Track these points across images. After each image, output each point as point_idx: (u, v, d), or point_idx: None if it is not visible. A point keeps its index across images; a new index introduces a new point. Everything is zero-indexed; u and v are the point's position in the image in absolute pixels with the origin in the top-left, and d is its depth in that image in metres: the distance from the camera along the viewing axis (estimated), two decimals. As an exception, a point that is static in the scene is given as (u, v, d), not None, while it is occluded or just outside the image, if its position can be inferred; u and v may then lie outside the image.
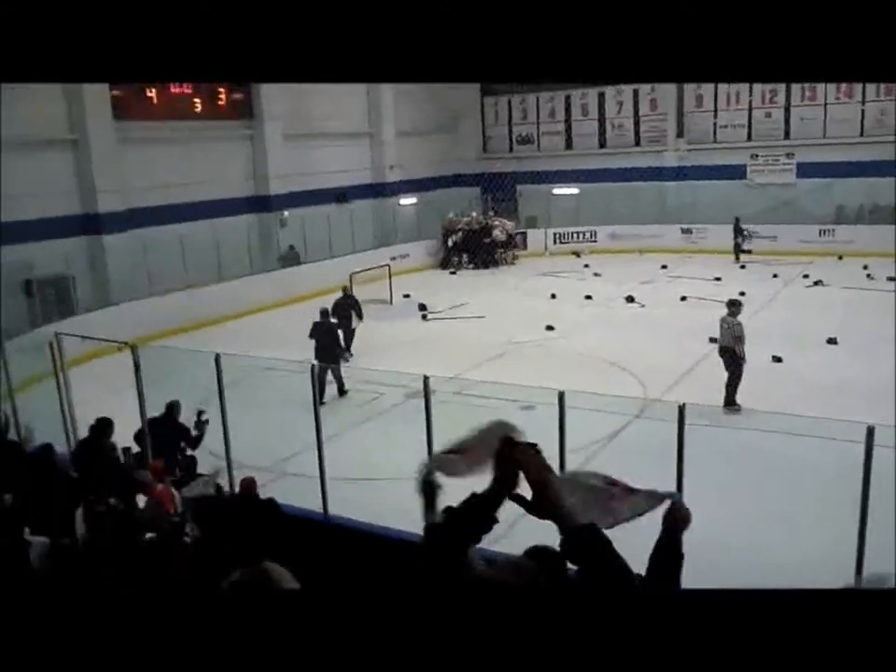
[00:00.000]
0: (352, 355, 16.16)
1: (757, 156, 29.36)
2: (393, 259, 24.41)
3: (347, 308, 16.61)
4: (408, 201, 29.23)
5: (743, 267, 24.85)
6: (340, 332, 15.60)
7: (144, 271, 19.56)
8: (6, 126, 17.61)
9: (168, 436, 9.48)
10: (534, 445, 1.97)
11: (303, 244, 24.70)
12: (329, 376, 13.79)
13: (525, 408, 11.43)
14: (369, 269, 21.76)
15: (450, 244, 28.24)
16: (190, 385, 11.71)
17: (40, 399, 10.68)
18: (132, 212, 20.38)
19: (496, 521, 2.06)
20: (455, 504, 2.13)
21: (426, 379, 8.05)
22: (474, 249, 27.90)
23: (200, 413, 9.75)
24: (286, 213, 24.62)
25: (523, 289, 23.51)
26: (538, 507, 1.87)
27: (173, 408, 9.80)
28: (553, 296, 21.76)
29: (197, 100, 22.60)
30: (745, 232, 26.36)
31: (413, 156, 30.24)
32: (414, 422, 8.64)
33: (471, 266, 27.79)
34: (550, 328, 17.93)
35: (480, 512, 2.05)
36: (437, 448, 8.39)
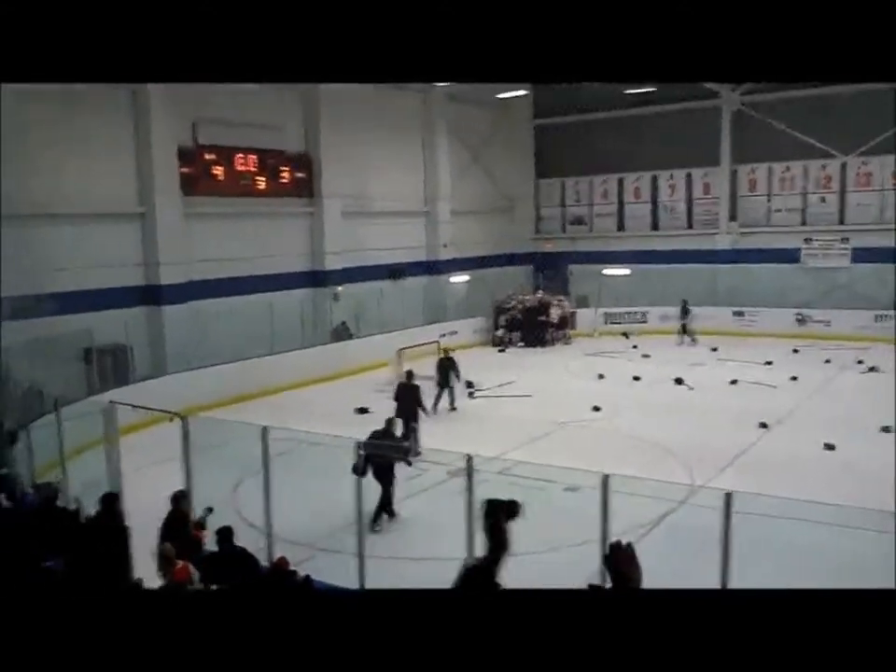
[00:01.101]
0: (455, 409, 17.54)
1: (811, 240, 29.17)
2: (442, 335, 24.62)
3: (447, 369, 18.45)
4: (459, 278, 29.61)
5: (796, 351, 24.48)
6: (443, 391, 18.17)
7: (200, 342, 20.06)
8: (78, 199, 18.52)
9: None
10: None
11: (355, 319, 25.13)
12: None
13: (569, 489, 11.35)
14: (417, 345, 21.96)
15: (503, 321, 28.38)
16: (237, 456, 11.91)
17: (91, 466, 10.94)
18: (192, 284, 21.02)
19: (498, 586, 2.10)
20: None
21: (469, 458, 8.09)
22: (528, 327, 28.01)
23: (208, 510, 9.42)
24: (340, 288, 25.12)
25: (571, 369, 23.45)
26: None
27: (179, 500, 9.22)
28: (601, 376, 21.66)
29: (261, 178, 23.44)
30: (689, 314, 27.15)
31: (466, 235, 30.76)
32: (456, 500, 8.64)
33: (522, 344, 27.83)
34: (596, 409, 17.82)
35: (482, 581, 2.09)
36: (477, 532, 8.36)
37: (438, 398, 18.06)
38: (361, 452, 9.74)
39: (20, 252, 17.00)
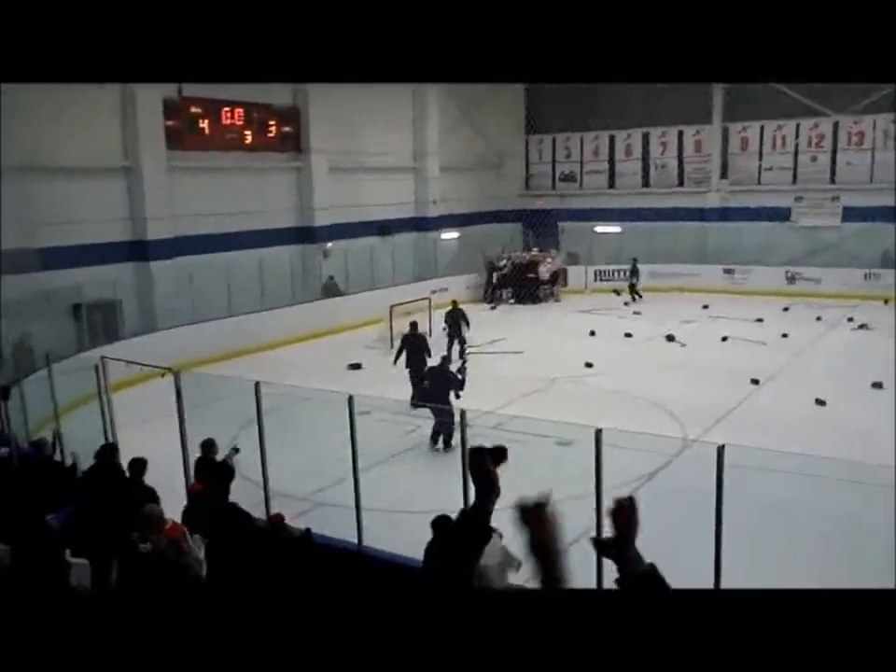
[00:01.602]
0: (465, 361, 15.78)
1: (802, 199, 29.16)
2: (433, 292, 24.55)
3: (457, 318, 19.31)
4: (449, 235, 29.45)
5: (786, 309, 24.58)
6: (454, 340, 19.02)
7: (189, 298, 19.92)
8: (64, 152, 18.20)
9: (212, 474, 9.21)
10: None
11: (345, 275, 25.00)
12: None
13: (562, 444, 11.40)
14: (408, 301, 21.89)
15: (495, 279, 28.33)
16: (230, 412, 11.87)
17: (84, 422, 10.88)
18: (179, 239, 20.80)
19: (492, 531, 2.10)
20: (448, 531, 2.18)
21: (462, 412, 8.08)
22: (518, 284, 27.97)
23: (235, 450, 9.65)
24: (329, 244, 24.95)
25: (562, 326, 23.47)
26: (612, 551, 1.92)
27: (209, 447, 9.37)
28: (593, 333, 21.70)
29: (247, 132, 23.10)
30: (637, 273, 27.69)
31: (456, 191, 30.54)
32: (451, 455, 8.68)
33: (512, 301, 27.84)
34: (589, 365, 17.87)
35: (475, 527, 2.09)
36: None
37: (450, 346, 18.76)
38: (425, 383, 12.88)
39: (7, 206, 16.76)
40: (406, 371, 15.70)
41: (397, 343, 20.48)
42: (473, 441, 8.40)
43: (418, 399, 13.08)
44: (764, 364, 17.40)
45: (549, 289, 28.42)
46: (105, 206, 19.61)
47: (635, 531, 2.01)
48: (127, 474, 8.78)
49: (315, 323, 21.93)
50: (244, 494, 9.31)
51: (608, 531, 2.04)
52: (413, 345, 15.94)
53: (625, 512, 2.06)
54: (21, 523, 7.21)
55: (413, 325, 16.73)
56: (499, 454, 2.09)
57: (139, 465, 8.63)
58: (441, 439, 12.91)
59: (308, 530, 7.72)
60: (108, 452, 8.90)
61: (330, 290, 24.55)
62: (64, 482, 9.02)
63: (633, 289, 27.54)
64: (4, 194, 16.39)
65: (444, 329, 19.56)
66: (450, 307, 20.06)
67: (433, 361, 15.20)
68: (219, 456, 9.41)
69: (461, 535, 2.20)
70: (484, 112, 31.99)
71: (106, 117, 19.56)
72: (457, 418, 8.30)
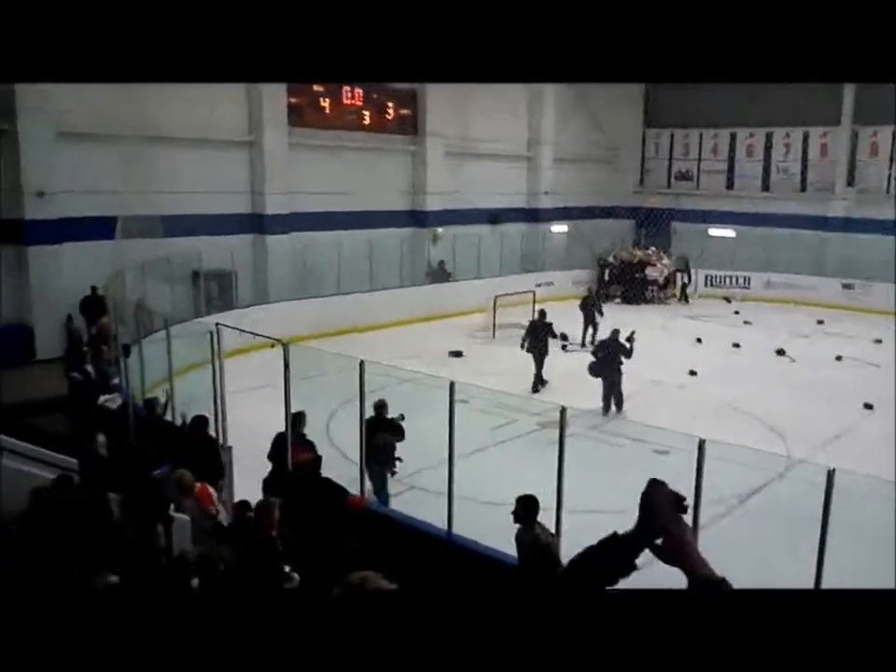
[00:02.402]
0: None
1: (933, 212, 27.60)
2: (538, 285, 24.42)
3: (591, 306, 20.57)
4: (559, 228, 29.20)
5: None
6: (588, 326, 20.11)
7: (301, 273, 20.43)
8: (191, 124, 18.90)
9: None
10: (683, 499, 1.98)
11: (453, 261, 25.15)
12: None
13: (660, 452, 11.21)
14: (513, 293, 21.86)
15: (606, 276, 27.92)
16: (333, 387, 12.15)
17: (196, 385, 11.32)
18: (295, 215, 21.34)
19: (635, 567, 2.04)
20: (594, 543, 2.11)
21: (562, 410, 8.03)
22: (627, 283, 27.50)
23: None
24: (440, 229, 25.12)
25: (668, 330, 22.99)
26: (667, 553, 1.87)
27: (297, 420, 9.77)
28: (699, 340, 21.18)
29: (366, 112, 23.45)
30: (689, 274, 27.62)
31: (568, 183, 30.22)
32: (544, 451, 8.64)
33: (619, 300, 27.33)
34: (693, 373, 17.46)
35: (621, 555, 2.03)
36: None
37: (585, 331, 20.21)
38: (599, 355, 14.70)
39: (134, 174, 17.55)
40: (526, 355, 16.59)
41: (498, 333, 20.59)
42: (571, 440, 8.37)
43: (589, 372, 14.74)
44: (880, 388, 16.62)
45: (660, 292, 27.82)
46: (227, 178, 20.29)
47: (683, 528, 1.94)
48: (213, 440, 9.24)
49: (420, 307, 22.16)
50: (339, 471, 9.55)
51: (705, 544, 1.99)
52: (541, 331, 16.78)
53: (660, 497, 1.98)
54: (132, 476, 7.62)
55: (542, 312, 17.35)
56: (680, 504, 2.02)
57: (201, 421, 9.19)
58: (612, 403, 14.73)
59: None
60: (198, 423, 9.26)
61: (438, 276, 24.77)
62: (171, 440, 9.45)
63: (683, 291, 27.27)
64: (131, 162, 17.18)
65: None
66: (585, 295, 21.49)
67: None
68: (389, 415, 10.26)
69: (604, 557, 2.15)
70: (601, 103, 31.42)
71: (233, 91, 20.18)
72: (555, 415, 8.27)
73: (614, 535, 2.05)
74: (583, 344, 19.42)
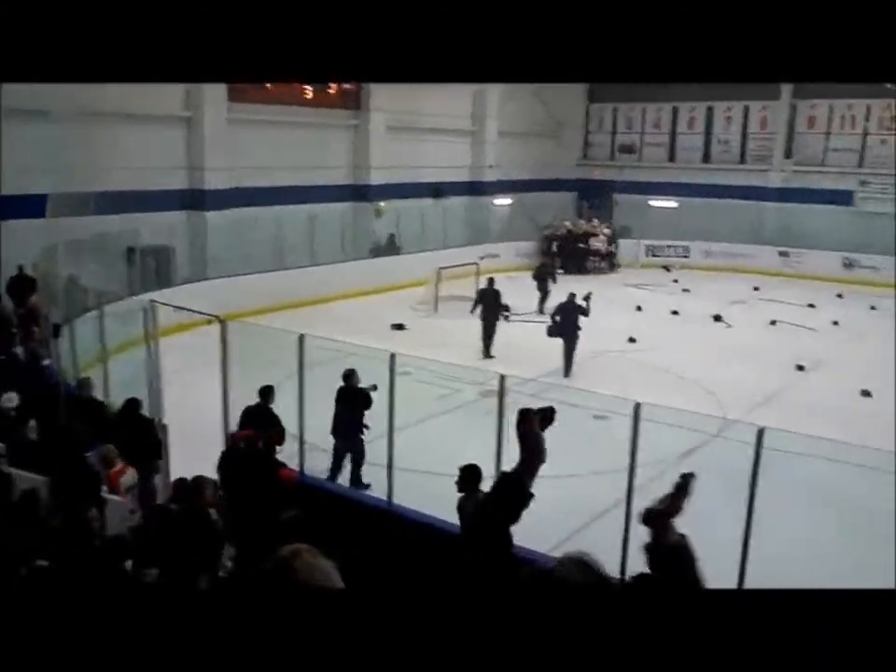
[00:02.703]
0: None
1: (867, 182, 28.31)
2: (482, 258, 24.45)
3: (545, 274, 21.63)
4: (503, 201, 29.26)
5: (840, 296, 24.02)
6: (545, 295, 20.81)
7: (241, 249, 20.17)
8: (126, 99, 18.45)
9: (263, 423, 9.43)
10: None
11: (396, 235, 25.08)
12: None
13: (599, 417, 11.38)
14: (457, 265, 21.88)
15: (554, 248, 28.04)
16: (274, 362, 12.06)
17: (131, 364, 11.15)
18: (235, 191, 21.02)
19: (531, 495, 2.09)
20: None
21: (501, 378, 8.09)
22: (569, 255, 27.72)
23: (374, 387, 10.05)
24: (382, 203, 24.99)
25: (609, 299, 23.25)
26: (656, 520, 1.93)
27: (267, 393, 9.79)
28: (639, 308, 21.49)
29: (308, 87, 23.14)
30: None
31: (512, 157, 30.26)
32: (486, 420, 8.71)
33: (561, 271, 27.51)
34: (632, 340, 17.74)
35: (515, 488, 2.09)
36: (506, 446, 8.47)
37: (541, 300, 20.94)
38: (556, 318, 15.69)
39: (67, 150, 17.07)
40: (468, 325, 16.73)
41: (441, 306, 20.63)
42: (511, 408, 8.45)
43: (548, 333, 15.68)
44: (812, 351, 17.08)
45: (602, 262, 28.12)
46: (165, 154, 19.89)
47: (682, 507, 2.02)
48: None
49: (362, 281, 22.06)
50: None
51: (639, 504, 2.05)
52: (489, 298, 17.21)
53: (685, 492, 2.08)
54: (63, 458, 7.47)
55: (491, 280, 17.79)
56: (548, 416, 2.09)
57: (133, 403, 9.13)
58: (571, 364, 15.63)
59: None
60: (129, 405, 9.15)
61: (388, 249, 24.73)
62: (103, 422, 9.31)
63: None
64: (65, 139, 16.71)
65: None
66: (539, 264, 22.69)
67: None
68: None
69: (501, 496, 2.21)
70: (546, 78, 31.47)
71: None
72: (496, 384, 8.34)
73: (503, 472, 2.11)
74: (540, 311, 20.12)
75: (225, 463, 8.61)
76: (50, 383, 10.55)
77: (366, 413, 10.38)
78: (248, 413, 9.48)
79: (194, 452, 9.22)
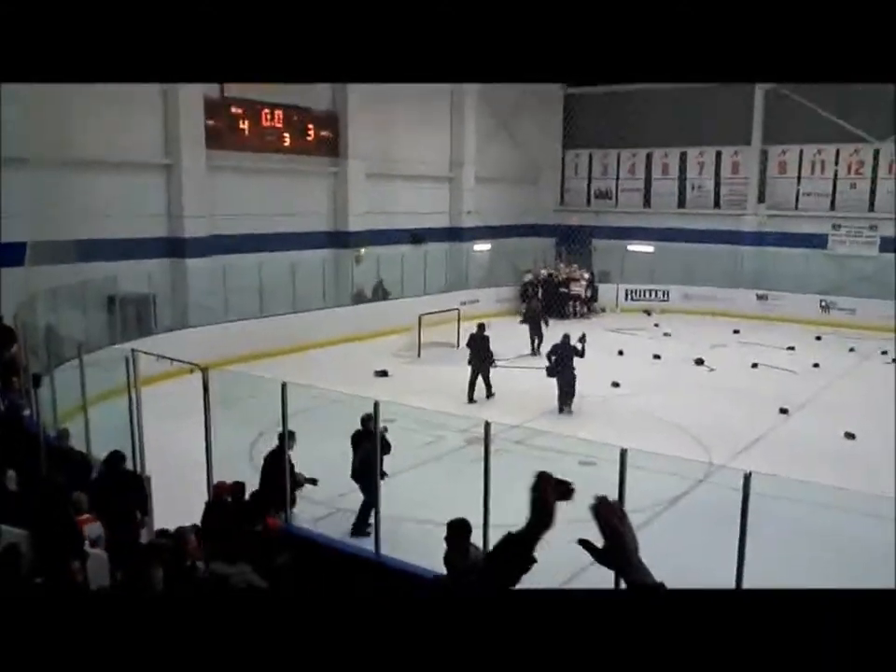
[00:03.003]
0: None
1: (839, 226, 28.82)
2: (463, 303, 24.54)
3: (536, 317, 22.09)
4: (482, 247, 29.46)
5: (819, 338, 24.27)
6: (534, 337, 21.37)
7: (222, 296, 20.09)
8: (105, 146, 18.46)
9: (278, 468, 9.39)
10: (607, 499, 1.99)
11: (377, 281, 25.13)
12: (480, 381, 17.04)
13: (585, 463, 11.32)
14: (438, 311, 21.92)
15: (539, 293, 28.08)
16: (257, 411, 11.95)
17: (112, 414, 10.98)
18: (215, 238, 21.00)
19: (534, 560, 2.04)
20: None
21: (487, 425, 8.04)
22: (550, 300, 27.85)
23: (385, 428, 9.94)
24: (362, 250, 25.06)
25: (590, 344, 23.33)
26: (608, 557, 1.88)
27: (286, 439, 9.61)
28: (621, 353, 21.56)
29: (286, 134, 23.29)
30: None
31: (490, 203, 30.56)
32: (472, 468, 8.64)
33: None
34: (615, 384, 17.76)
35: (518, 552, 2.03)
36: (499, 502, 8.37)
37: (532, 342, 21.55)
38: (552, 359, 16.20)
39: (46, 198, 17.02)
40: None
41: (424, 353, 20.61)
42: (497, 455, 8.39)
43: (547, 373, 16.14)
44: (794, 393, 17.18)
45: (582, 307, 28.30)
46: (145, 202, 19.86)
47: (630, 536, 1.96)
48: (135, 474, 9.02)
49: (344, 327, 22.01)
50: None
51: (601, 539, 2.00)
52: (478, 343, 17.40)
53: (610, 510, 2.01)
54: (45, 511, 7.30)
55: (481, 325, 18.00)
56: (565, 490, 2.05)
57: (116, 457, 8.99)
58: (567, 402, 15.93)
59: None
60: (113, 459, 9.02)
61: (377, 293, 24.82)
62: (84, 475, 9.15)
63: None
64: (43, 186, 16.66)
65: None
66: (528, 308, 23.32)
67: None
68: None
69: (503, 559, 2.14)
70: (522, 124, 31.99)
71: (148, 114, 19.82)
72: (481, 431, 8.29)
73: (508, 534, 2.06)
74: (536, 353, 20.76)
75: (209, 514, 8.47)
76: (30, 433, 10.34)
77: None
78: (268, 459, 9.61)
79: (177, 502, 9.07)
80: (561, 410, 15.91)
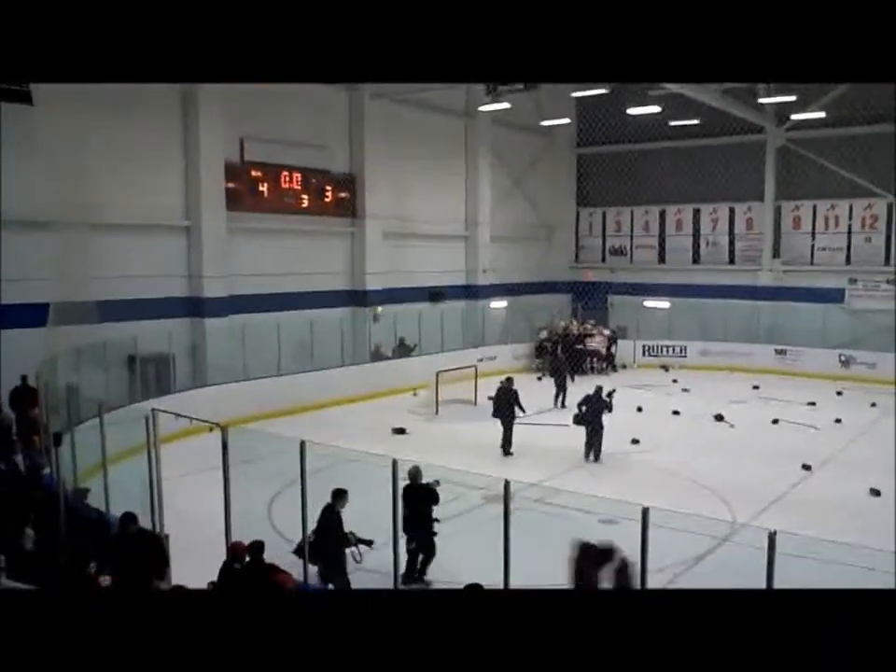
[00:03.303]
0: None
1: (856, 280, 28.77)
2: (480, 360, 24.57)
3: (562, 370, 22.48)
4: (499, 304, 29.58)
5: (840, 393, 24.03)
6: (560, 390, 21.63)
7: (240, 355, 20.22)
8: (127, 209, 18.82)
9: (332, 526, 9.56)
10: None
11: (394, 340, 25.23)
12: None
13: (606, 522, 11.18)
14: (455, 368, 21.93)
15: (559, 350, 27.96)
16: (275, 469, 11.92)
17: (132, 472, 10.99)
18: (234, 298, 21.23)
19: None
20: None
21: (506, 483, 7.99)
22: (568, 355, 27.72)
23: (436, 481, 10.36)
24: (379, 308, 25.22)
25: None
26: None
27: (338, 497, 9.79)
28: (640, 409, 21.42)
29: (305, 196, 23.67)
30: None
31: (506, 261, 30.78)
32: (491, 526, 8.54)
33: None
34: (635, 441, 17.61)
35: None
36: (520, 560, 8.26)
37: (557, 395, 21.80)
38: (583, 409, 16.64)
39: (68, 259, 17.31)
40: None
41: (442, 410, 20.57)
42: (517, 514, 8.30)
43: (574, 421, 16.72)
44: (817, 449, 16.98)
45: (598, 362, 28.20)
46: (165, 263, 20.16)
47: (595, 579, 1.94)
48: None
49: (362, 385, 22.07)
50: (282, 555, 9.29)
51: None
52: (505, 397, 17.52)
53: (627, 571, 2.03)
54: (63, 572, 7.27)
55: (509, 379, 18.06)
56: (605, 555, 2.05)
57: (129, 518, 8.98)
58: (592, 452, 16.33)
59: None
60: (126, 520, 8.98)
61: (402, 350, 24.95)
62: (102, 536, 9.13)
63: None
64: (66, 248, 16.97)
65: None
66: (552, 361, 23.95)
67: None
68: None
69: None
70: (535, 183, 32.44)
71: (170, 177, 20.25)
72: (500, 489, 8.23)
73: None
74: (562, 405, 21.25)
75: (225, 572, 8.41)
76: (50, 492, 10.36)
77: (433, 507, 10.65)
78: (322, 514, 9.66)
79: (196, 560, 9.00)
80: (587, 457, 16.38)
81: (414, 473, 10.66)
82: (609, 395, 16.76)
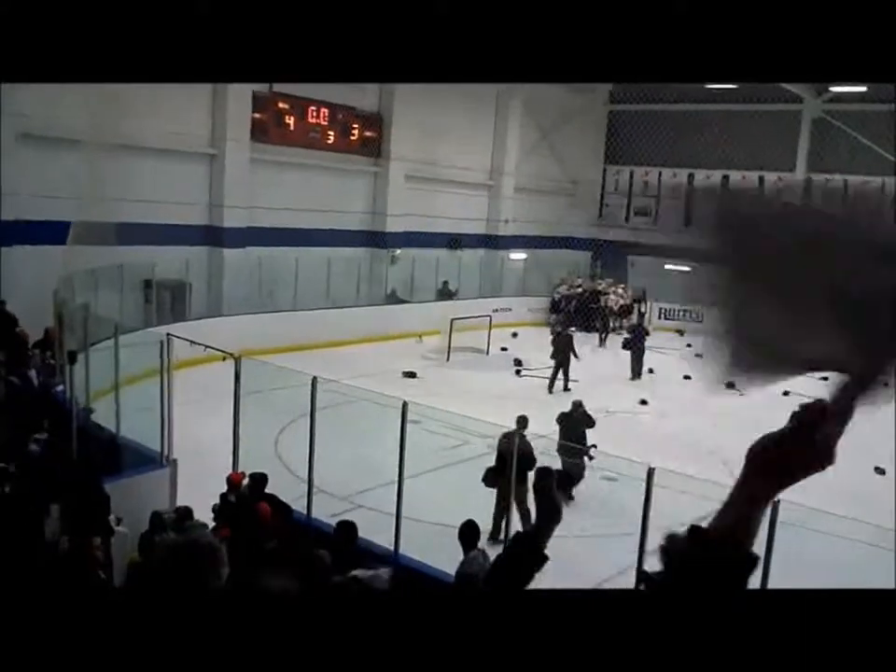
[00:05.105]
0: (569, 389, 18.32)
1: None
2: (495, 310, 24.53)
3: (564, 345, 19.47)
4: (518, 256, 29.43)
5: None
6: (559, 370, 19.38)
7: (256, 287, 20.25)
8: (150, 134, 18.70)
9: None
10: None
11: (410, 283, 25.18)
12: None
13: (608, 478, 11.25)
14: (469, 317, 21.92)
15: (571, 308, 27.92)
16: (285, 402, 12.03)
17: (143, 396, 11.10)
18: (253, 230, 21.19)
19: (546, 558, 2.03)
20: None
21: (511, 433, 8.03)
22: (584, 312, 27.71)
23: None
24: (398, 251, 25.14)
25: (620, 360, 23.20)
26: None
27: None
28: (651, 371, 21.40)
29: (331, 132, 23.44)
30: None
31: (528, 213, 30.50)
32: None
33: (573, 329, 27.44)
34: (643, 402, 17.63)
35: (529, 550, 2.02)
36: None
37: (554, 376, 19.10)
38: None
39: (92, 178, 17.26)
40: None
41: (453, 357, 20.60)
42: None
43: (623, 346, 18.18)
44: (825, 423, 16.94)
45: (615, 321, 28.12)
46: (186, 190, 20.09)
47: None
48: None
49: (376, 326, 22.09)
50: (286, 488, 9.40)
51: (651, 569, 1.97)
52: (562, 342, 19.03)
53: (551, 484, 2.02)
54: (74, 484, 7.39)
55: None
56: (567, 480, 2.07)
57: None
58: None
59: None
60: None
61: (444, 294, 25.06)
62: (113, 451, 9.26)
63: (641, 321, 27.21)
64: (90, 168, 16.91)
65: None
66: (556, 336, 20.00)
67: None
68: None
69: (515, 557, 2.14)
70: (564, 137, 31.92)
71: (197, 104, 20.05)
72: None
73: (518, 533, 2.06)
74: (565, 388, 18.50)
75: (222, 502, 8.55)
76: (63, 408, 10.50)
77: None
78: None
79: (201, 487, 9.14)
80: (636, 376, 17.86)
81: (579, 404, 12.98)
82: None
